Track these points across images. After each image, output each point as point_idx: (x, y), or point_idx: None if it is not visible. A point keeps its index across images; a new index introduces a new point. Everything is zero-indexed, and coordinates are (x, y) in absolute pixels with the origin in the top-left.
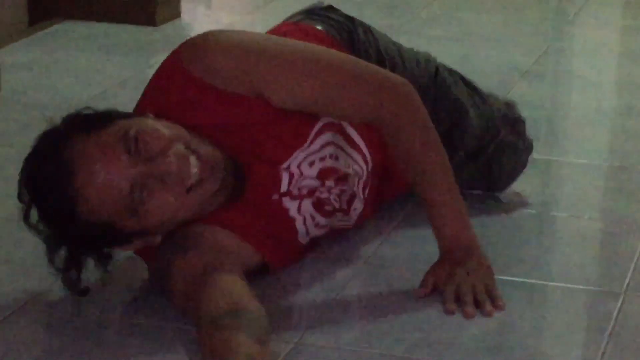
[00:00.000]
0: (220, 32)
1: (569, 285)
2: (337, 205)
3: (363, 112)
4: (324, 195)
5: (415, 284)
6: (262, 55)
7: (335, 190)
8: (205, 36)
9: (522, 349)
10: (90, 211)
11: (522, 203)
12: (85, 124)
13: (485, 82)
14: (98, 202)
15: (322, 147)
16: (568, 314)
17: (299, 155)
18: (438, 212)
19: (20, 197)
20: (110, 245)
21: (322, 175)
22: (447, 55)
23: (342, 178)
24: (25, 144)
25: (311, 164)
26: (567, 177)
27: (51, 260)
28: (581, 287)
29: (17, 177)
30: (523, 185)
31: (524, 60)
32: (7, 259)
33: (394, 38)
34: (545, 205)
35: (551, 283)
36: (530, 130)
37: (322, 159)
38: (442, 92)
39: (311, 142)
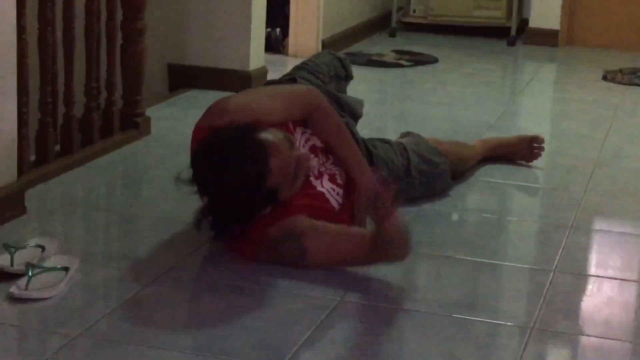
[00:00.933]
0: (228, 97)
1: None
2: (341, 176)
3: (303, 113)
4: (329, 170)
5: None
6: (256, 101)
7: (328, 163)
8: (221, 102)
9: None
10: (273, 179)
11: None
12: (255, 127)
13: (463, 132)
14: (280, 173)
15: (301, 134)
16: None
17: (297, 135)
18: (348, 161)
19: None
20: (267, 204)
21: (313, 151)
22: (439, 114)
23: (323, 150)
24: (168, 168)
25: (302, 146)
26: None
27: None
28: None
29: (159, 195)
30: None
31: (489, 118)
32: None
33: (407, 103)
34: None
35: None
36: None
37: (306, 140)
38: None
39: (294, 133)
